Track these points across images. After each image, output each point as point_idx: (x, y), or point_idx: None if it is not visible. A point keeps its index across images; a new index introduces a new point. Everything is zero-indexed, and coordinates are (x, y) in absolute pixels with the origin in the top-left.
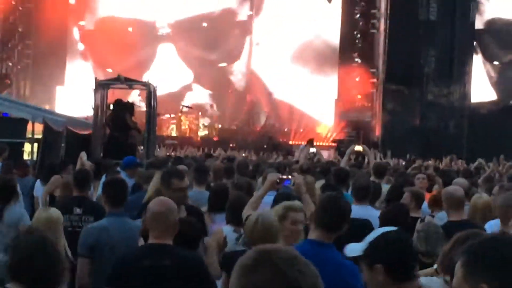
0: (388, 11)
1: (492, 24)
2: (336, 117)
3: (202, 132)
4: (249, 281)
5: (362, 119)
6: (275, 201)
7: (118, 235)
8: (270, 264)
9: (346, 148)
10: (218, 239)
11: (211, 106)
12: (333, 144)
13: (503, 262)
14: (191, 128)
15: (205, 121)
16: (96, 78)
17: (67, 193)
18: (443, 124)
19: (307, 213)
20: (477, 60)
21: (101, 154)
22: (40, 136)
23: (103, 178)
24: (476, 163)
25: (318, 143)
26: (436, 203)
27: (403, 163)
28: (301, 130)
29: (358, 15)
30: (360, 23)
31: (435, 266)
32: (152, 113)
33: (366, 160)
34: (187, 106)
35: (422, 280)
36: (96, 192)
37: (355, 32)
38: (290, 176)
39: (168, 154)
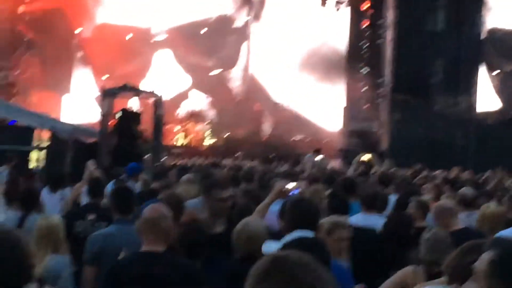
0: (395, 21)
1: (492, 34)
2: (342, 126)
3: (207, 141)
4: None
5: (368, 129)
6: (281, 209)
7: (125, 242)
8: (285, 271)
9: (353, 157)
10: None
11: (216, 115)
12: (340, 153)
13: None
14: (197, 137)
15: (207, 128)
16: (103, 87)
17: None
18: (450, 134)
19: None
20: (481, 69)
21: (109, 163)
22: (46, 144)
23: (109, 186)
24: (486, 174)
25: (324, 153)
26: None
27: (410, 173)
28: (308, 140)
29: (365, 25)
30: (367, 33)
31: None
32: (159, 122)
33: (373, 170)
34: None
35: None
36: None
37: (362, 42)
38: (296, 185)
39: (174, 163)
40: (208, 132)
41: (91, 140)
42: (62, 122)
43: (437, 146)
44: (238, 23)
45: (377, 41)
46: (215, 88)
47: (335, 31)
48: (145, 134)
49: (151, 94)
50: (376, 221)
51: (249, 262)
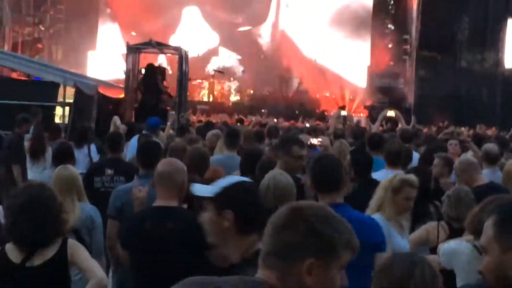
0: None
1: None
2: (368, 83)
3: (233, 98)
4: (281, 239)
5: (394, 86)
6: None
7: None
8: (303, 221)
9: (378, 114)
10: None
11: (243, 71)
12: (365, 110)
13: None
14: (223, 93)
15: (235, 85)
16: (127, 43)
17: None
18: (476, 91)
19: None
20: (509, 24)
21: (133, 118)
22: (71, 100)
23: (132, 140)
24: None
25: (349, 110)
26: None
27: (435, 129)
28: (333, 97)
29: None
30: None
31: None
32: (183, 78)
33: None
34: (218, 71)
35: (451, 243)
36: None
37: None
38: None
39: (199, 119)
40: (234, 87)
41: (116, 95)
42: (87, 78)
43: (463, 102)
44: None
45: None
46: (243, 45)
47: None
48: (169, 90)
49: (176, 49)
50: None
51: None
